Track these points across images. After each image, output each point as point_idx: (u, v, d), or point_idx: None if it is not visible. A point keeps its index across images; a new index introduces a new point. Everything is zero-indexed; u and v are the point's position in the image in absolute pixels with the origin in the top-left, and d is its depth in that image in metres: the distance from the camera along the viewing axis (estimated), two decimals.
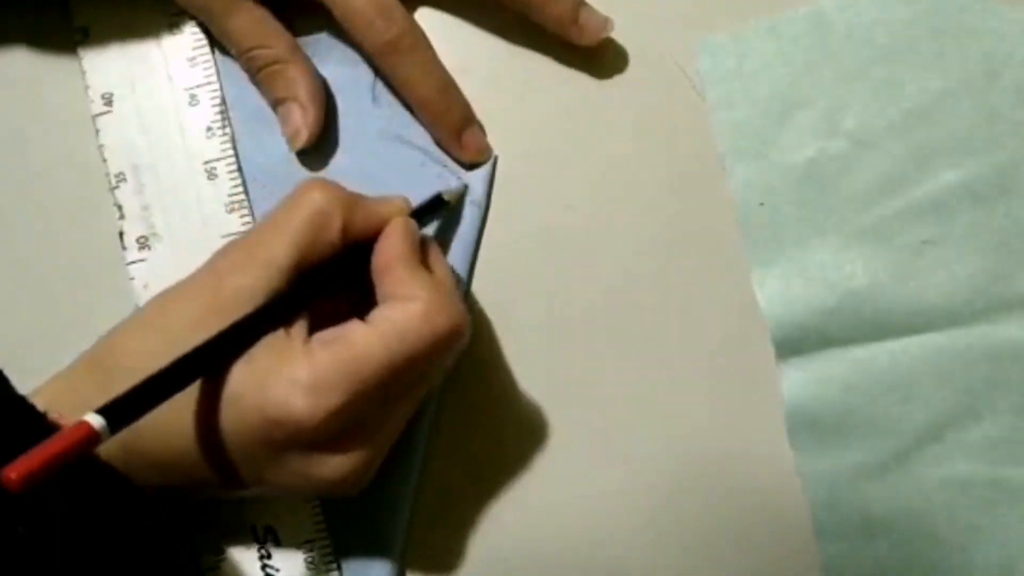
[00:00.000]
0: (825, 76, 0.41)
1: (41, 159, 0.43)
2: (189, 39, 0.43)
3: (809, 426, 0.40)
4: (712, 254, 0.41)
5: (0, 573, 0.30)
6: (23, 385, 0.34)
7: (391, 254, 0.35)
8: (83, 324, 0.41)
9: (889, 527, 0.39)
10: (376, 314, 0.34)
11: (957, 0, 0.41)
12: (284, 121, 0.42)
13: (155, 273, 0.41)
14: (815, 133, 0.41)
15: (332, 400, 0.32)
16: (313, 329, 0.35)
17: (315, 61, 0.42)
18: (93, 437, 0.28)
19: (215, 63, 0.43)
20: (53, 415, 0.32)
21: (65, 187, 0.43)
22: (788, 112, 0.41)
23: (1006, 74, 0.41)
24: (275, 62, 0.41)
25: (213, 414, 0.33)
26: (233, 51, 0.42)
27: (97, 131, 0.42)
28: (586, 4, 0.41)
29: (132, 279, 0.41)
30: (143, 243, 0.42)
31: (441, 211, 0.41)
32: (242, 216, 0.42)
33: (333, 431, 0.33)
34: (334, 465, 0.34)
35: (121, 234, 0.42)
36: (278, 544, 0.40)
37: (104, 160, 0.42)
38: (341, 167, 0.42)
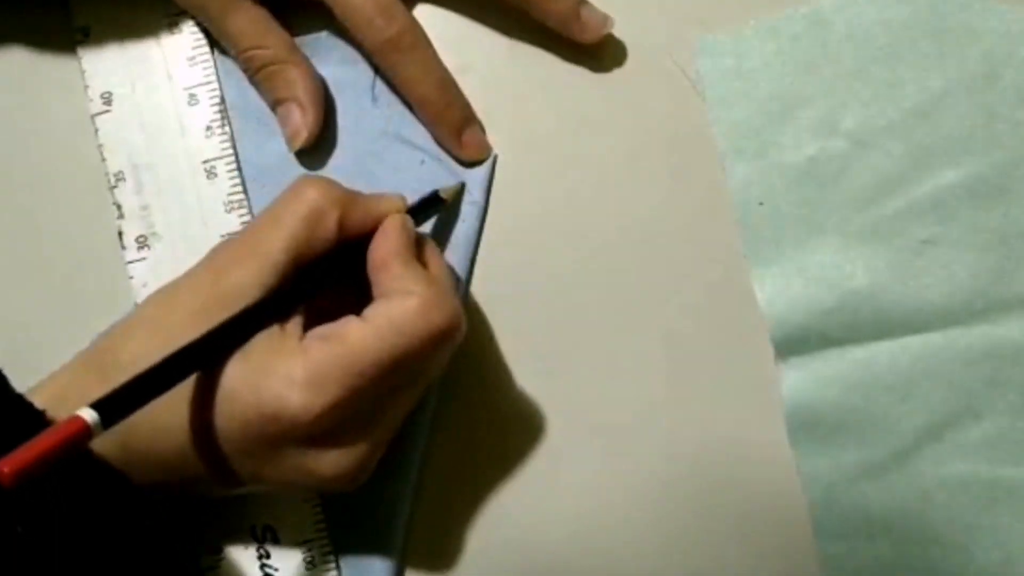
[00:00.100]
0: (825, 76, 0.41)
1: (40, 158, 0.43)
2: (189, 39, 0.43)
3: (809, 426, 0.40)
4: (712, 254, 0.41)
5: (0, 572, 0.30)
6: (22, 384, 0.34)
7: (387, 250, 0.35)
8: (82, 323, 0.41)
9: (889, 526, 0.39)
10: (372, 310, 0.34)
11: (957, 0, 0.41)
12: (283, 121, 0.42)
13: (154, 272, 0.41)
14: (815, 133, 0.41)
15: (328, 395, 0.32)
16: (309, 325, 0.35)
17: (314, 61, 0.42)
18: (86, 431, 0.28)
19: (215, 63, 0.43)
20: (52, 413, 0.32)
21: (64, 186, 0.43)
22: (788, 112, 0.41)
23: (1006, 74, 0.41)
24: (273, 62, 0.41)
25: (209, 410, 0.33)
26: (231, 51, 0.42)
27: (96, 130, 0.42)
28: (587, 2, 0.41)
29: (131, 278, 0.41)
30: (142, 242, 0.42)
31: (438, 209, 0.41)
32: (241, 215, 0.42)
33: (329, 426, 0.33)
34: (331, 460, 0.34)
35: (120, 233, 0.42)
36: (277, 543, 0.40)
37: (103, 159, 0.42)
38: (340, 166, 0.42)
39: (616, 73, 0.42)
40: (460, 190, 0.42)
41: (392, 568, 0.40)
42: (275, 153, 0.42)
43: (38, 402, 0.33)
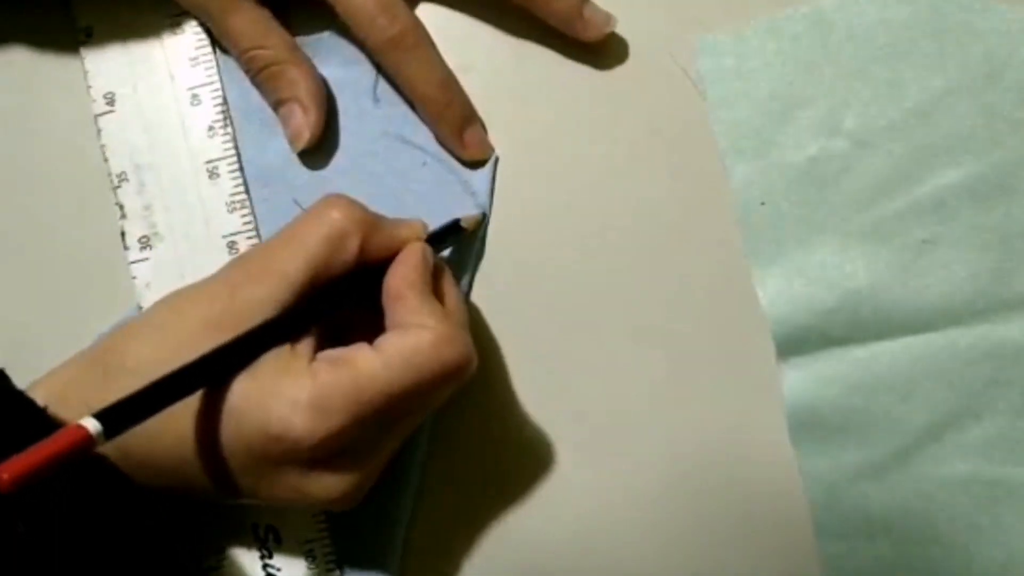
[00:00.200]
0: (825, 75, 0.41)
1: (43, 158, 0.43)
2: (191, 39, 0.43)
3: (810, 426, 0.40)
4: (713, 254, 0.41)
5: (1, 571, 0.30)
6: (22, 383, 0.34)
7: (404, 280, 0.35)
8: (85, 323, 0.41)
9: (889, 526, 0.39)
10: (384, 340, 0.34)
11: (958, 0, 0.41)
12: (286, 122, 0.42)
13: (157, 272, 0.41)
14: (816, 132, 0.41)
15: (332, 422, 0.32)
16: (321, 346, 0.35)
17: (316, 61, 0.42)
18: (88, 442, 0.28)
19: (217, 63, 0.43)
20: (53, 410, 0.32)
21: (67, 187, 0.43)
22: (789, 111, 0.41)
23: (1007, 74, 0.41)
24: (275, 63, 0.41)
25: (213, 425, 0.33)
26: (232, 52, 0.42)
27: (99, 131, 0.42)
28: (589, 0, 0.41)
29: (134, 278, 0.42)
30: (145, 243, 0.42)
31: (458, 237, 0.41)
32: (243, 216, 0.42)
33: (331, 451, 0.33)
34: (329, 483, 0.34)
35: (123, 234, 0.42)
36: (279, 544, 0.40)
37: (106, 160, 0.42)
38: (342, 167, 0.42)
39: (617, 73, 0.42)
40: (481, 220, 0.41)
41: (394, 567, 0.40)
42: (277, 153, 0.42)
43: (39, 398, 0.33)
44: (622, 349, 0.41)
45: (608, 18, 0.41)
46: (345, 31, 0.42)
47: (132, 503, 0.34)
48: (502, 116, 0.42)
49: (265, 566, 0.40)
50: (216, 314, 0.34)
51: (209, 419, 0.33)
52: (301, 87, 0.41)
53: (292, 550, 0.40)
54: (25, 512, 0.31)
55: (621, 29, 0.42)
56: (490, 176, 0.42)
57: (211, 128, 0.42)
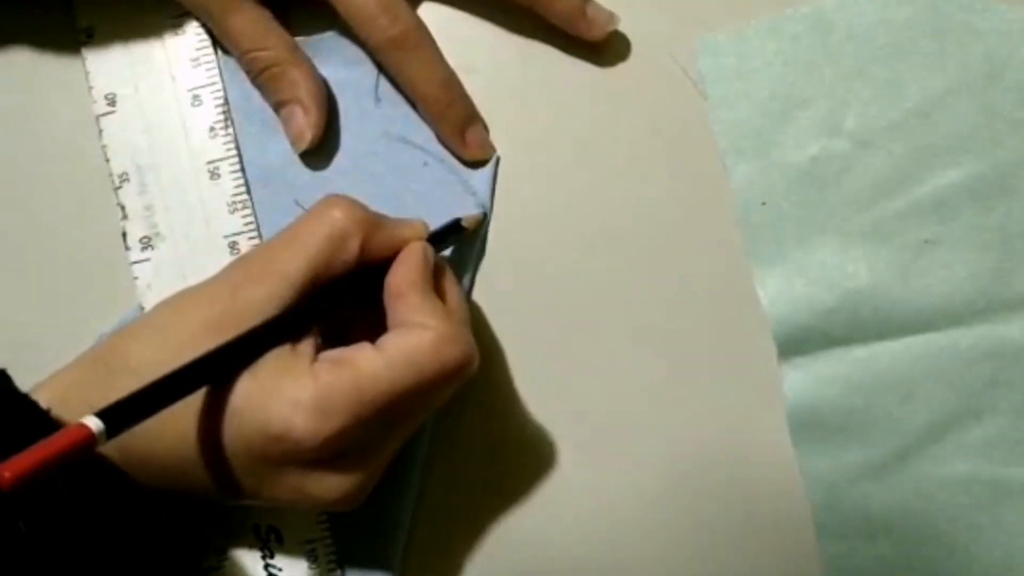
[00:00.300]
0: (826, 75, 0.41)
1: (45, 159, 0.43)
2: (193, 40, 0.43)
3: (811, 426, 0.40)
4: (714, 254, 0.41)
5: (1, 570, 0.30)
6: (25, 383, 0.34)
7: (405, 279, 0.35)
8: (87, 324, 0.41)
9: (890, 527, 0.39)
10: (386, 340, 0.34)
11: (958, 0, 0.41)
12: (287, 123, 0.42)
13: (158, 273, 0.41)
14: (816, 132, 0.41)
15: (334, 422, 0.32)
16: (321, 347, 0.35)
17: (317, 62, 0.42)
18: (90, 440, 0.28)
19: (218, 64, 0.43)
20: (56, 412, 0.32)
21: (68, 187, 0.43)
22: (789, 111, 0.41)
23: (1007, 74, 0.41)
24: (275, 64, 0.41)
25: (214, 425, 0.33)
26: (233, 53, 0.42)
27: (100, 131, 0.42)
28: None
29: (135, 279, 0.42)
30: (146, 243, 0.42)
31: (459, 237, 0.41)
32: (244, 216, 0.42)
33: (332, 452, 0.33)
34: (331, 484, 0.34)
35: (124, 234, 0.42)
36: (281, 544, 0.40)
37: (107, 160, 0.42)
38: (343, 167, 0.42)
39: (618, 74, 0.42)
40: (482, 220, 0.41)
41: (395, 568, 0.40)
42: (278, 154, 0.42)
43: (42, 399, 0.33)
44: (623, 349, 0.41)
45: (611, 17, 0.41)
46: (346, 31, 0.42)
47: (132, 503, 0.34)
48: (503, 116, 0.42)
49: (267, 566, 0.40)
50: (217, 314, 0.34)
51: (210, 419, 0.33)
52: (302, 88, 0.41)
53: (294, 550, 0.40)
54: (26, 512, 0.31)
55: (622, 29, 0.42)
56: (491, 176, 0.42)
57: (212, 129, 0.42)
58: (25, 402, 0.33)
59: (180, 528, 0.36)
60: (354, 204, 0.36)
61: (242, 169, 0.42)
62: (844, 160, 0.41)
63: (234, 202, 0.42)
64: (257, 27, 0.41)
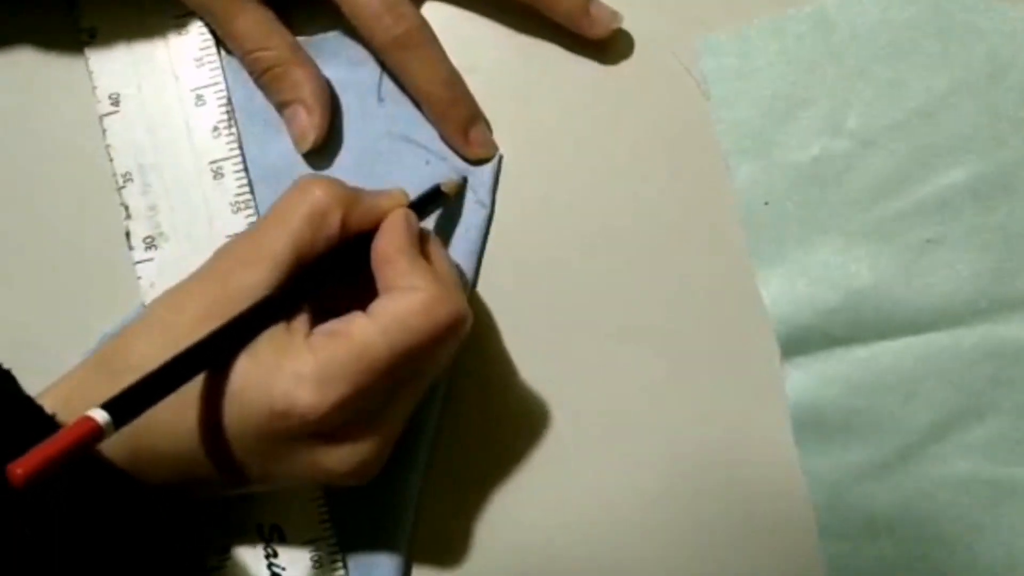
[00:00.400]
0: (828, 75, 0.41)
1: (48, 159, 0.43)
2: (196, 40, 0.43)
3: (813, 425, 0.40)
4: (716, 253, 0.41)
5: (3, 572, 0.31)
6: (29, 384, 0.34)
7: (391, 245, 0.35)
8: (90, 324, 0.41)
9: (892, 526, 0.39)
10: (377, 305, 0.34)
11: (961, 0, 0.41)
12: (290, 123, 0.42)
13: (162, 272, 0.41)
14: (819, 132, 0.41)
15: (336, 392, 0.32)
16: (314, 321, 0.35)
17: (319, 62, 0.42)
18: (97, 432, 0.28)
19: (221, 64, 0.43)
20: (61, 416, 0.32)
21: (71, 187, 0.43)
22: (791, 111, 0.41)
23: (1010, 73, 0.40)
24: (278, 64, 0.41)
25: (218, 409, 0.33)
26: (236, 53, 0.42)
27: (104, 131, 0.43)
28: None
29: (139, 278, 0.42)
30: (150, 243, 0.42)
31: (440, 203, 0.41)
32: (248, 216, 0.42)
33: (339, 423, 0.33)
34: (343, 456, 0.34)
35: (128, 234, 0.42)
36: (284, 542, 0.40)
37: (111, 160, 0.42)
38: (346, 166, 0.42)
39: (620, 73, 0.42)
40: (462, 184, 0.42)
41: (398, 566, 0.40)
42: (281, 153, 0.42)
43: (48, 404, 0.33)
44: (625, 348, 0.41)
45: (614, 15, 0.41)
46: (349, 30, 0.42)
47: (133, 503, 0.34)
48: (506, 115, 0.43)
49: (270, 565, 0.40)
50: (211, 304, 0.34)
51: (214, 405, 0.33)
52: (305, 88, 0.41)
53: (297, 549, 0.40)
54: (28, 513, 0.31)
55: (624, 29, 0.42)
56: (493, 174, 0.42)
57: (215, 128, 0.42)
58: (31, 406, 0.33)
59: (182, 528, 0.36)
60: (331, 181, 0.36)
61: (245, 169, 0.42)
62: (846, 160, 0.41)
63: (237, 202, 0.42)
64: (260, 27, 0.41)
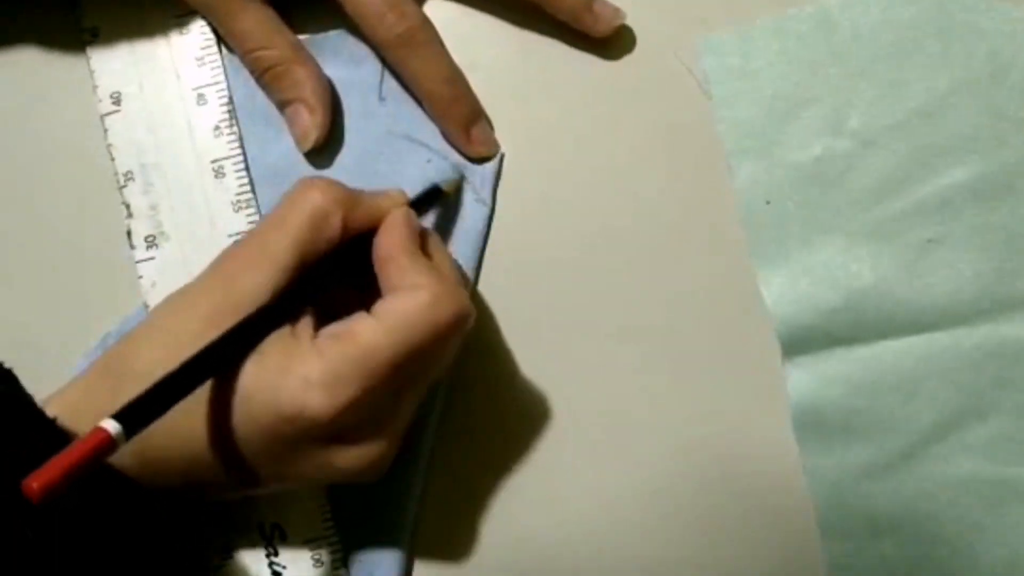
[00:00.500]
0: (830, 75, 0.41)
1: (50, 158, 0.44)
2: (197, 39, 0.43)
3: (815, 425, 0.40)
4: (718, 253, 0.41)
5: (4, 573, 0.31)
6: (30, 384, 0.34)
7: (392, 244, 0.35)
8: (91, 324, 0.41)
9: (894, 526, 0.39)
10: (381, 306, 0.34)
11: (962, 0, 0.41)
12: (292, 122, 0.42)
13: (163, 272, 0.41)
14: (820, 132, 0.41)
15: (345, 395, 0.32)
16: (320, 323, 0.35)
17: (321, 60, 0.42)
18: (110, 443, 0.28)
19: (223, 63, 0.43)
20: (64, 421, 0.32)
21: (73, 186, 0.43)
22: (793, 111, 0.41)
23: (1012, 73, 0.41)
24: (279, 63, 0.41)
25: (226, 415, 0.33)
26: (237, 52, 0.42)
27: (105, 130, 0.43)
28: None
29: (140, 278, 0.42)
30: (151, 242, 0.42)
31: (439, 201, 0.41)
32: (249, 215, 0.42)
33: (348, 424, 0.33)
34: (352, 456, 0.34)
35: (129, 233, 0.42)
36: (285, 542, 0.40)
37: (112, 159, 0.42)
38: (348, 165, 0.42)
39: (622, 72, 0.42)
40: (460, 182, 0.42)
41: (400, 565, 0.40)
42: (283, 152, 0.42)
43: (52, 411, 0.33)
44: (626, 347, 0.41)
45: (617, 12, 0.41)
46: (352, 29, 0.42)
47: (134, 504, 0.34)
48: (507, 114, 0.43)
49: (271, 564, 0.40)
50: (215, 308, 0.34)
51: (222, 410, 0.33)
52: (307, 87, 0.41)
53: (298, 548, 0.40)
54: (30, 516, 0.31)
55: (626, 28, 0.42)
56: (494, 173, 0.42)
57: (217, 127, 0.42)
58: (32, 407, 0.33)
59: (183, 528, 0.36)
60: (330, 183, 0.36)
61: (246, 168, 0.42)
62: (848, 160, 0.41)
63: (238, 201, 0.42)
64: (262, 26, 0.41)
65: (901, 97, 0.41)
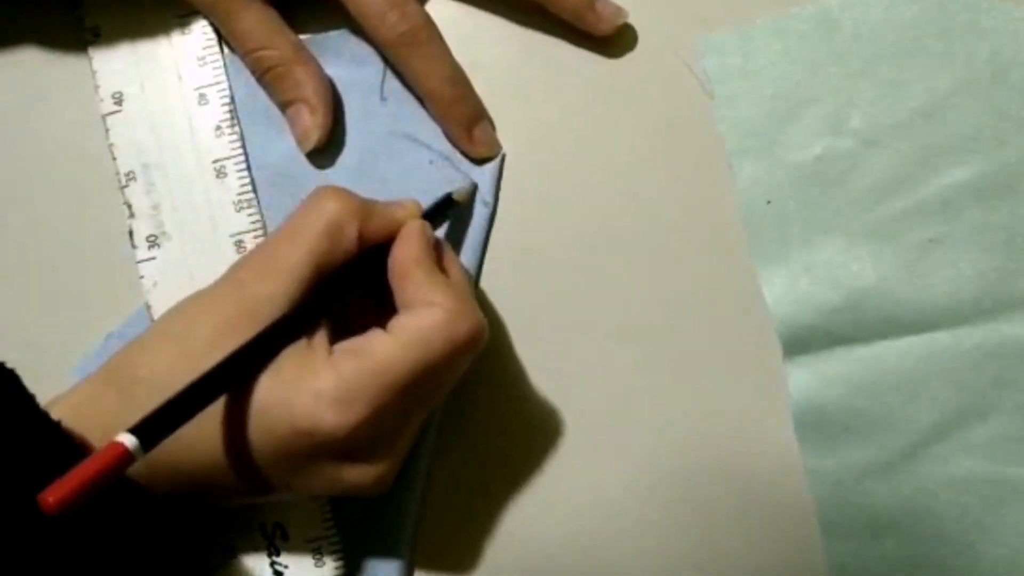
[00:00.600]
0: (832, 74, 0.41)
1: (51, 158, 0.44)
2: (199, 39, 0.43)
3: (816, 425, 0.40)
4: (719, 252, 0.41)
5: (6, 574, 0.31)
6: (32, 383, 0.34)
7: (408, 259, 0.35)
8: (92, 324, 0.41)
9: (895, 526, 0.39)
10: (397, 322, 0.34)
11: None
12: (293, 123, 0.42)
13: (164, 271, 0.41)
14: (822, 131, 0.41)
15: (359, 411, 0.32)
16: (335, 335, 0.35)
17: (322, 61, 0.42)
18: (127, 457, 0.28)
19: (224, 62, 0.43)
20: (68, 424, 0.32)
21: (75, 186, 0.43)
22: (795, 110, 0.41)
23: (1013, 73, 0.41)
24: (281, 63, 0.41)
25: (241, 427, 0.33)
26: (238, 52, 0.42)
27: (107, 130, 0.43)
28: None
29: (141, 277, 0.42)
30: (153, 241, 0.42)
31: (452, 211, 0.41)
32: (250, 215, 0.42)
33: (361, 441, 0.33)
34: (362, 471, 0.34)
35: (131, 233, 0.42)
36: (287, 541, 0.40)
37: (114, 159, 0.42)
38: (349, 166, 0.42)
39: (623, 72, 0.42)
40: (472, 191, 0.42)
41: (401, 566, 0.40)
42: (284, 152, 0.42)
43: (57, 415, 0.33)
44: (627, 347, 0.41)
45: (619, 11, 0.41)
46: (354, 29, 0.42)
47: (134, 505, 0.34)
48: (508, 113, 0.43)
49: (272, 563, 0.40)
50: (228, 318, 0.34)
51: (237, 422, 0.33)
52: (308, 87, 0.41)
53: (299, 548, 0.40)
54: (32, 519, 0.31)
55: (628, 28, 0.42)
56: (496, 173, 0.42)
57: (218, 127, 0.42)
58: (34, 408, 0.32)
59: (185, 529, 0.36)
60: (346, 193, 0.36)
61: (248, 168, 0.42)
62: (849, 159, 0.41)
63: (240, 201, 0.42)
64: (263, 26, 0.41)
65: (902, 97, 0.41)
